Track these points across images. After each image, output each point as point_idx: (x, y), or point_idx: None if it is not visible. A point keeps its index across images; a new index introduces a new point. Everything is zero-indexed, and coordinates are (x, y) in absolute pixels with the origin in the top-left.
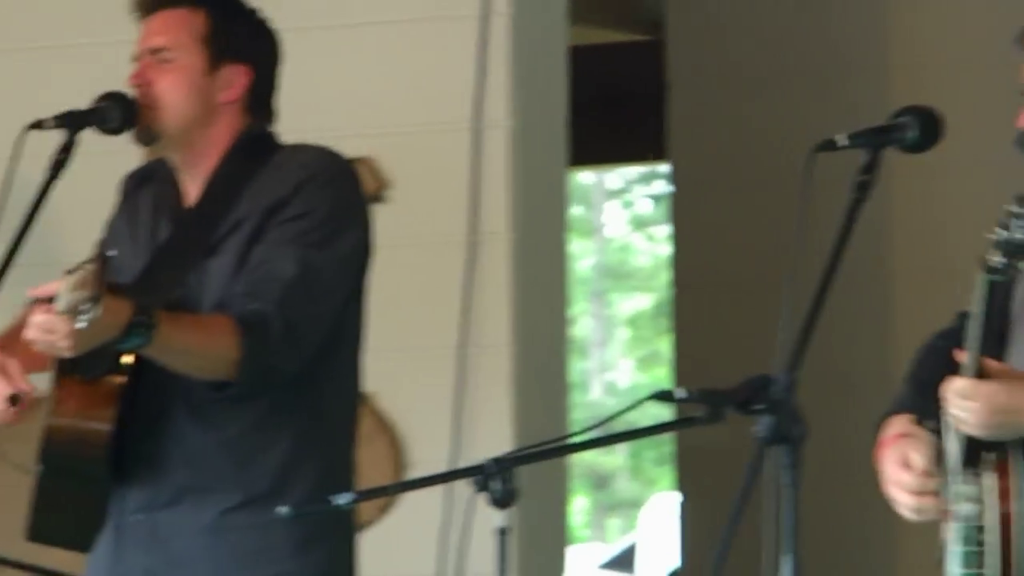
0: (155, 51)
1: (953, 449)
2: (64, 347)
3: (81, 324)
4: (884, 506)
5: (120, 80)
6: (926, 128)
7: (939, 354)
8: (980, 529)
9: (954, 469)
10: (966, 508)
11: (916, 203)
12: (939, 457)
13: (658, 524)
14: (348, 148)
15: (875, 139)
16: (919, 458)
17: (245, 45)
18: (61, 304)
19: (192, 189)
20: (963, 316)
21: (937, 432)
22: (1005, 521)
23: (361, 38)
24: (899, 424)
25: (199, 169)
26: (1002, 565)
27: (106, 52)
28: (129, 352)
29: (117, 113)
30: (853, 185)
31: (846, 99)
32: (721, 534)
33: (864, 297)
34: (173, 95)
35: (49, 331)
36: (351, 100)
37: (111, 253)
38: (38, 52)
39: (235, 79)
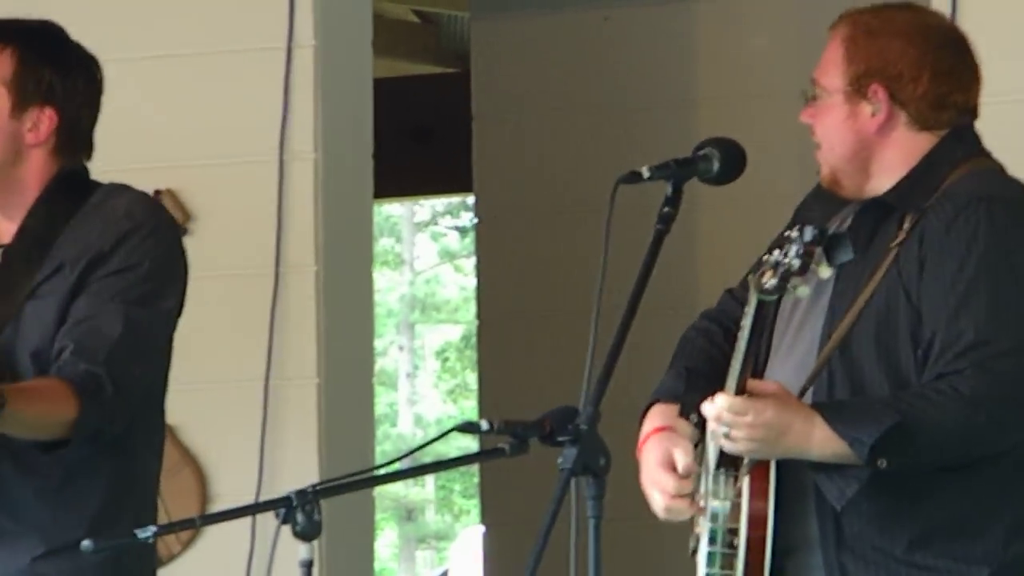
0: None
1: (712, 447)
2: None
3: None
4: (687, 535)
5: None
6: (728, 161)
7: (705, 337)
8: (733, 531)
9: (710, 468)
10: (718, 508)
11: (722, 234)
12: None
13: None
14: (153, 179)
15: (678, 171)
16: (682, 459)
17: (52, 86)
18: None
19: (7, 227)
20: (729, 293)
21: (700, 426)
22: (756, 524)
23: (167, 69)
24: (662, 415)
25: (15, 210)
26: (748, 559)
27: None
28: None
29: None
30: (657, 217)
31: (652, 131)
32: (526, 565)
33: (670, 329)
34: None
35: None
36: (157, 131)
37: None
38: None
39: (41, 121)
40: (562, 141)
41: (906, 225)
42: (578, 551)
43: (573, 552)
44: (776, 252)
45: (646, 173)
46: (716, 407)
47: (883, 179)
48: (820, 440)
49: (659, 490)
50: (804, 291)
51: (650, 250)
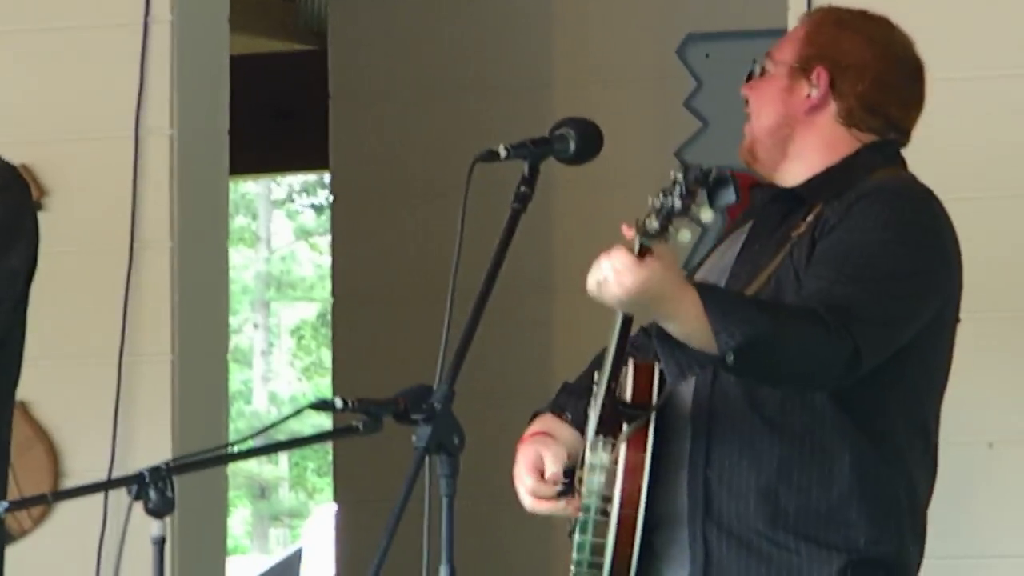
0: None
1: (593, 415)
2: None
3: None
4: (540, 517)
5: None
6: (584, 140)
7: (595, 365)
8: (607, 499)
9: (590, 436)
10: (595, 477)
11: (580, 215)
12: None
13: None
14: (8, 154)
15: (535, 151)
16: (550, 461)
17: None
18: None
19: None
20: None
21: (577, 425)
22: (629, 497)
23: (21, 45)
24: (541, 421)
25: None
26: (619, 537)
27: None
28: None
29: None
30: (513, 196)
31: (511, 111)
32: (379, 544)
33: (525, 308)
34: None
35: None
36: (10, 107)
37: None
38: None
39: None
40: (419, 121)
41: (809, 217)
42: (431, 529)
43: (426, 530)
44: (659, 196)
45: (503, 152)
46: (609, 253)
47: (796, 164)
48: (688, 316)
49: (523, 490)
50: (685, 235)
51: (506, 229)
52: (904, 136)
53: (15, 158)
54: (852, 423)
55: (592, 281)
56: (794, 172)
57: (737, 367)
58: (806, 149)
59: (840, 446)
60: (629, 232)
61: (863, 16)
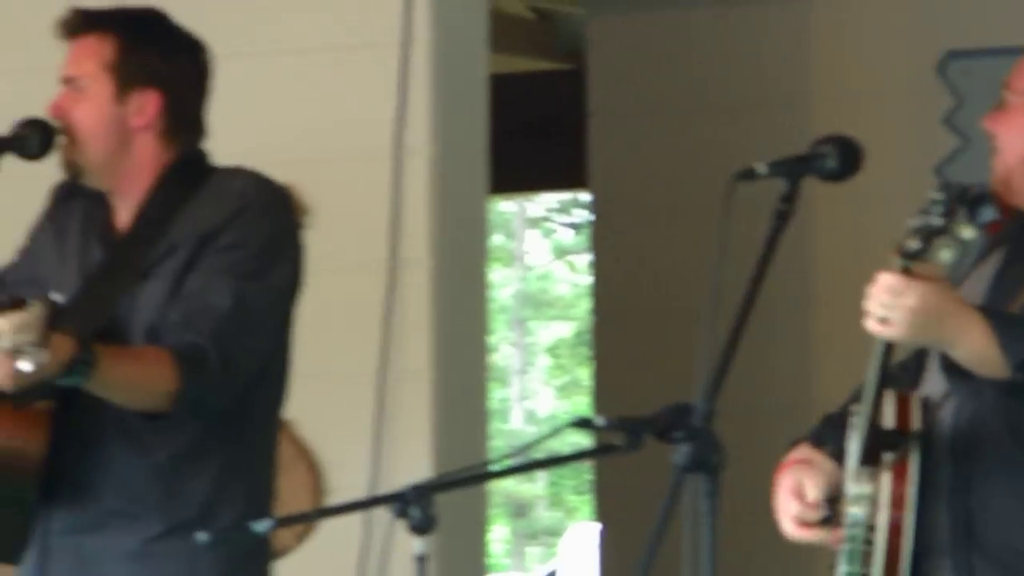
0: (69, 81)
1: (854, 449)
2: (4, 384)
3: (24, 366)
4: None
5: (43, 105)
6: (845, 157)
7: (855, 397)
8: (870, 528)
9: (852, 469)
10: (859, 509)
11: (839, 233)
12: (834, 485)
13: (578, 553)
14: (271, 174)
15: (794, 168)
16: (811, 488)
17: (155, 69)
18: (3, 343)
19: (123, 212)
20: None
21: (836, 456)
22: (895, 527)
23: (282, 65)
24: (801, 450)
25: (129, 194)
26: (887, 568)
27: (31, 77)
28: (70, 385)
29: (36, 139)
30: (772, 214)
31: (768, 128)
32: (639, 563)
33: (785, 326)
34: (86, 125)
35: None
36: (273, 127)
37: (56, 297)
38: None
39: (146, 104)
40: (677, 138)
41: None
42: (692, 549)
43: (687, 550)
44: (917, 216)
45: (762, 170)
46: (876, 286)
47: None
48: (975, 337)
49: (786, 517)
50: (946, 255)
51: (766, 246)
52: None
53: (278, 177)
54: None
55: (871, 315)
56: None
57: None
58: None
59: None
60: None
61: None
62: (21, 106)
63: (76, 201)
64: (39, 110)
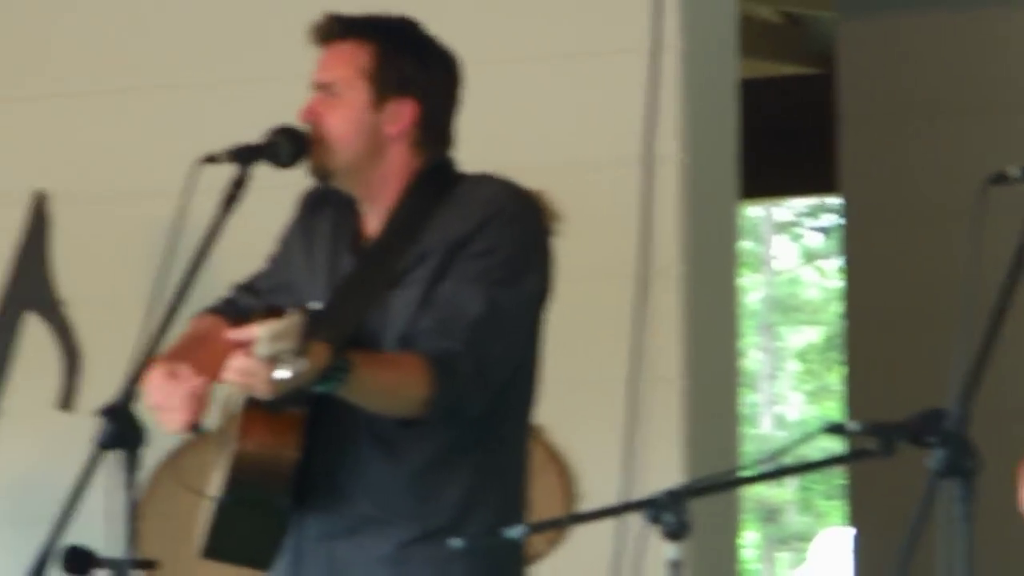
0: (323, 86)
1: None
2: (262, 391)
3: (283, 374)
4: None
5: (292, 113)
6: None
7: None
8: None
9: None
10: None
11: None
12: None
13: (829, 558)
14: (521, 181)
15: None
16: None
17: (412, 78)
18: (262, 351)
19: (372, 220)
20: None
21: None
22: None
23: (531, 72)
24: None
25: (378, 201)
26: None
27: (279, 85)
28: (323, 394)
29: (288, 147)
30: None
31: (1021, 130)
32: (894, 568)
33: None
34: (340, 131)
35: (248, 375)
36: (522, 134)
37: (314, 305)
38: (213, 86)
39: (402, 113)
40: (929, 141)
41: None
42: (947, 554)
43: (942, 555)
44: None
45: (1015, 173)
46: None
47: None
48: None
49: None
50: None
51: (1018, 251)
52: None
53: (527, 184)
54: None
55: None
56: None
57: None
58: None
59: None
60: None
61: None
62: (268, 114)
63: (325, 209)
64: (288, 118)
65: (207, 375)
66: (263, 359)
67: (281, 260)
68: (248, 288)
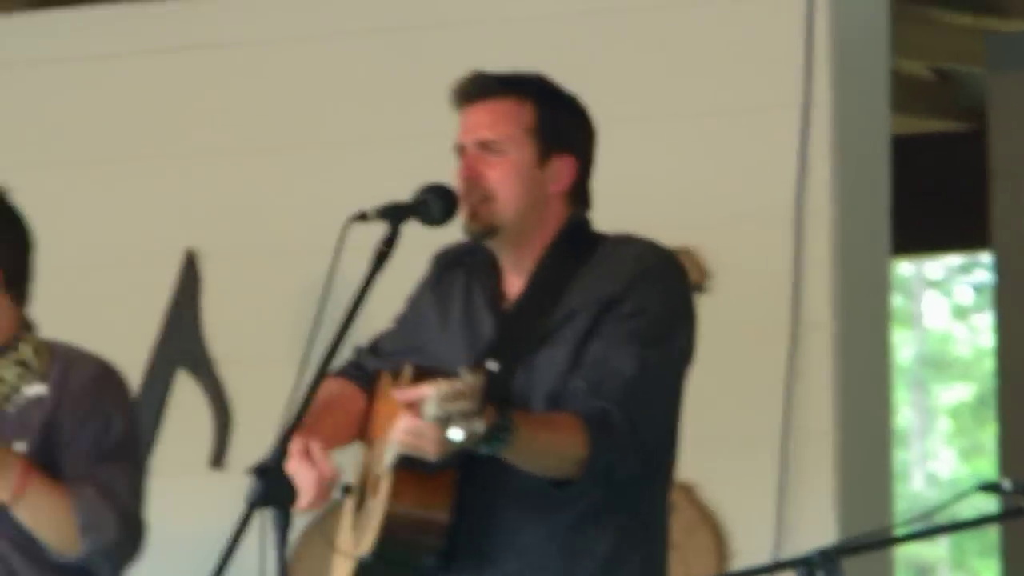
0: (484, 144)
1: None
2: (430, 452)
3: (455, 435)
4: None
5: (440, 171)
6: None
7: None
8: None
9: None
10: None
11: None
12: None
13: None
14: (670, 238)
15: None
16: None
17: (570, 135)
18: (432, 412)
19: (514, 279)
20: None
21: None
22: None
23: (681, 128)
24: None
25: (523, 259)
26: None
27: (427, 143)
28: (486, 454)
29: (438, 205)
30: None
31: None
32: None
33: None
34: (507, 188)
35: (417, 436)
36: (672, 190)
37: (492, 367)
38: (362, 144)
39: (563, 170)
40: None
41: None
42: None
43: None
44: None
45: None
46: None
47: None
48: None
49: None
50: None
51: None
52: None
53: (678, 241)
54: None
55: None
56: None
57: None
58: None
59: None
60: None
61: None
62: (416, 172)
63: (457, 270)
64: (436, 176)
65: (334, 443)
66: (432, 420)
67: (411, 322)
68: (373, 350)
